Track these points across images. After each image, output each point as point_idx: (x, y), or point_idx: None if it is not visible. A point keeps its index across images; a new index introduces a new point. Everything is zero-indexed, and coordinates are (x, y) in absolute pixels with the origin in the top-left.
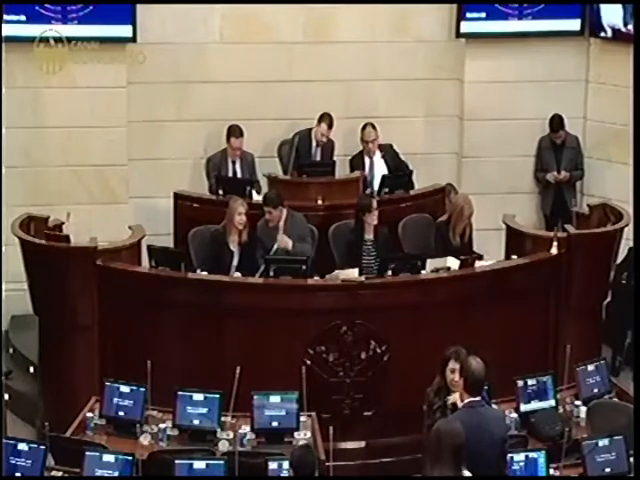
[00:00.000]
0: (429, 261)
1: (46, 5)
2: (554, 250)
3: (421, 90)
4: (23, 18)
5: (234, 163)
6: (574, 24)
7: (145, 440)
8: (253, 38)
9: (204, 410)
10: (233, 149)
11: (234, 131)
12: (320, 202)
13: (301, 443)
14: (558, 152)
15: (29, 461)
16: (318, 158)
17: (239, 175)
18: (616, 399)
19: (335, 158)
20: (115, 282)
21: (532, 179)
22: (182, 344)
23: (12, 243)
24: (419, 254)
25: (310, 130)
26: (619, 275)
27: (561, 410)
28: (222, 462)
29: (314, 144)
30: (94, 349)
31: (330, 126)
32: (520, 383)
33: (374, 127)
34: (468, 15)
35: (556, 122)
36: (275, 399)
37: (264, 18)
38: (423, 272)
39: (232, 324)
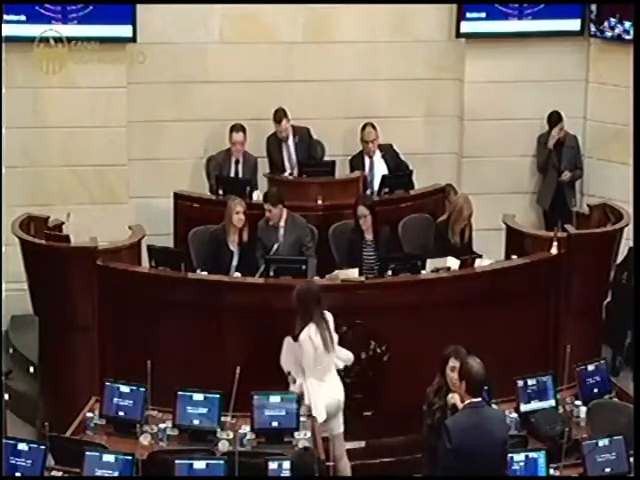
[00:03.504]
0: (429, 261)
1: (46, 5)
2: (554, 250)
3: (421, 90)
4: (23, 18)
5: (237, 163)
6: (574, 24)
7: (145, 440)
8: (253, 38)
9: (204, 410)
10: (234, 144)
11: (235, 127)
12: (320, 202)
13: (300, 445)
14: (558, 151)
15: (29, 461)
16: (293, 154)
17: (241, 176)
18: (616, 399)
19: (335, 158)
20: (115, 282)
21: (532, 179)
22: (182, 344)
23: (12, 243)
24: (419, 254)
25: (274, 133)
26: (619, 275)
27: (561, 410)
28: (222, 462)
29: (284, 144)
30: (94, 349)
31: (279, 121)
32: (520, 383)
33: (374, 127)
34: (468, 15)
35: (554, 117)
36: (275, 399)
37: (264, 18)
38: (423, 272)
39: (232, 324)
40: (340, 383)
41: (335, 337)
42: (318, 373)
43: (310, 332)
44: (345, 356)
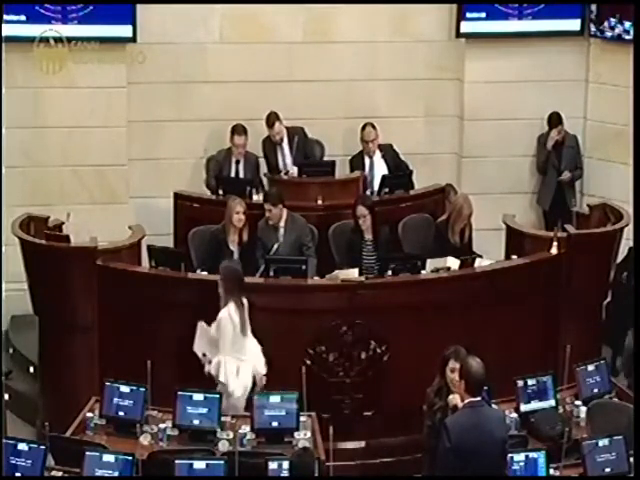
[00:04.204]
0: (429, 261)
1: (46, 5)
2: (554, 250)
3: (421, 90)
4: (23, 18)
5: (238, 163)
6: (574, 24)
7: (145, 440)
8: (253, 38)
9: (204, 410)
10: (237, 147)
11: (237, 129)
12: (320, 202)
13: (300, 445)
14: (557, 151)
15: (29, 461)
16: (287, 156)
17: (241, 175)
18: (616, 399)
19: (335, 158)
20: (115, 282)
21: (532, 179)
22: (182, 344)
23: (12, 243)
24: (419, 254)
25: (269, 136)
26: (619, 275)
27: (561, 410)
28: (222, 462)
29: (278, 146)
30: (94, 349)
31: (272, 125)
32: (520, 383)
33: (374, 127)
34: (468, 15)
35: (554, 118)
36: (275, 399)
37: (264, 18)
38: (423, 272)
39: None
40: (250, 372)
41: (248, 325)
42: (235, 353)
43: (230, 310)
44: (260, 362)
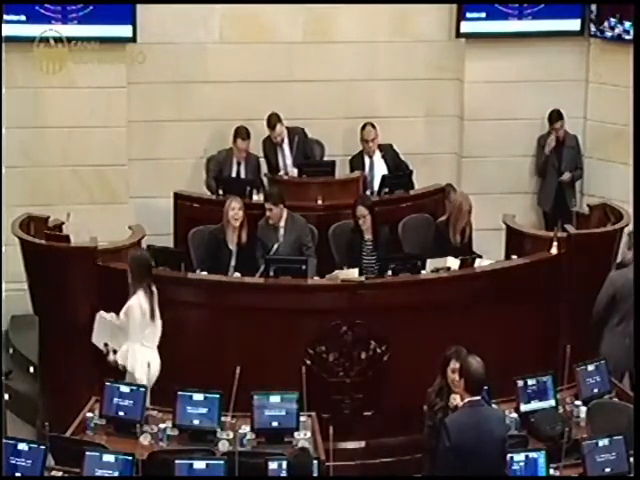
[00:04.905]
0: (429, 261)
1: (46, 5)
2: (554, 250)
3: (421, 90)
4: (23, 18)
5: (239, 164)
6: (574, 24)
7: (145, 440)
8: (253, 38)
9: (204, 410)
10: (239, 150)
11: (241, 133)
12: (320, 202)
13: (299, 446)
14: (558, 152)
15: (29, 461)
16: (288, 157)
17: (242, 176)
18: (616, 399)
19: (335, 158)
20: (115, 282)
21: (532, 179)
22: (182, 344)
23: (12, 243)
24: (419, 254)
25: (269, 136)
26: None
27: (561, 410)
28: (222, 462)
29: (279, 147)
30: (94, 349)
31: (274, 126)
32: (520, 383)
33: (374, 126)
34: (468, 15)
35: (554, 115)
36: (275, 399)
37: (264, 18)
38: (423, 272)
39: (232, 324)
40: (158, 359)
41: (157, 311)
42: (143, 340)
43: (139, 298)
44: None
